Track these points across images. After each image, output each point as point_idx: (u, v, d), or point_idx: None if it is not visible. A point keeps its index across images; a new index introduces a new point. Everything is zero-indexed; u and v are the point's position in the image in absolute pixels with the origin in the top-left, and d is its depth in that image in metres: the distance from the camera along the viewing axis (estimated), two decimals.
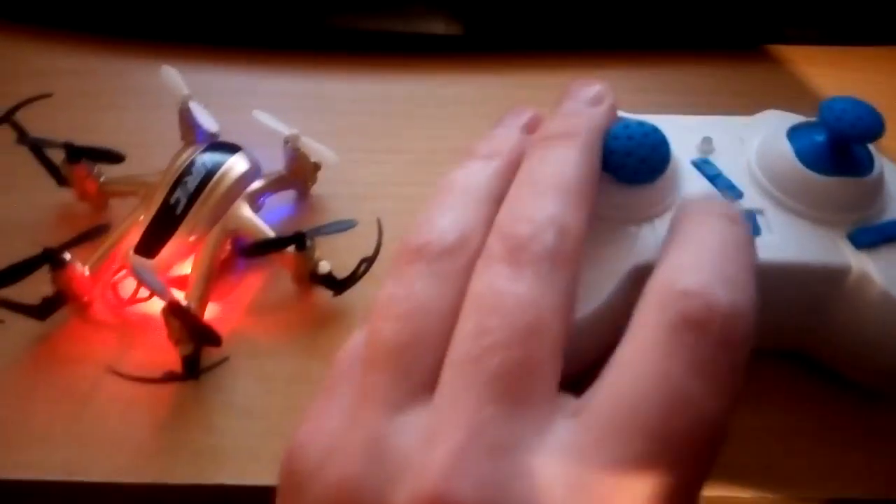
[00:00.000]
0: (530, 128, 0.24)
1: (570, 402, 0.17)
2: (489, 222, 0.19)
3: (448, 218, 0.20)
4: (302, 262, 0.29)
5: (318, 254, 0.29)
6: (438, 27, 0.43)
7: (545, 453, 0.15)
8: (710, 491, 0.25)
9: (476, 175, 0.21)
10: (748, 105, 0.40)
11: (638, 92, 0.41)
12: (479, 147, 0.22)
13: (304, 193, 0.34)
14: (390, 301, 0.18)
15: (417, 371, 0.17)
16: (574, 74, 0.42)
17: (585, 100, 0.23)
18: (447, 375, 0.17)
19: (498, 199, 0.20)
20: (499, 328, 0.16)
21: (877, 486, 0.26)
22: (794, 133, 0.26)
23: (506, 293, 0.17)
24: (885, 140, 0.36)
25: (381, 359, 0.18)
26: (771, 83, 0.42)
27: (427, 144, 0.37)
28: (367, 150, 0.37)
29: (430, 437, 0.16)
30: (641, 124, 0.24)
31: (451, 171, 0.22)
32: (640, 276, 0.23)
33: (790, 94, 0.41)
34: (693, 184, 0.26)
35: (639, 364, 0.16)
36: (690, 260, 0.18)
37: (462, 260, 0.19)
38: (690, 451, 0.15)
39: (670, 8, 0.43)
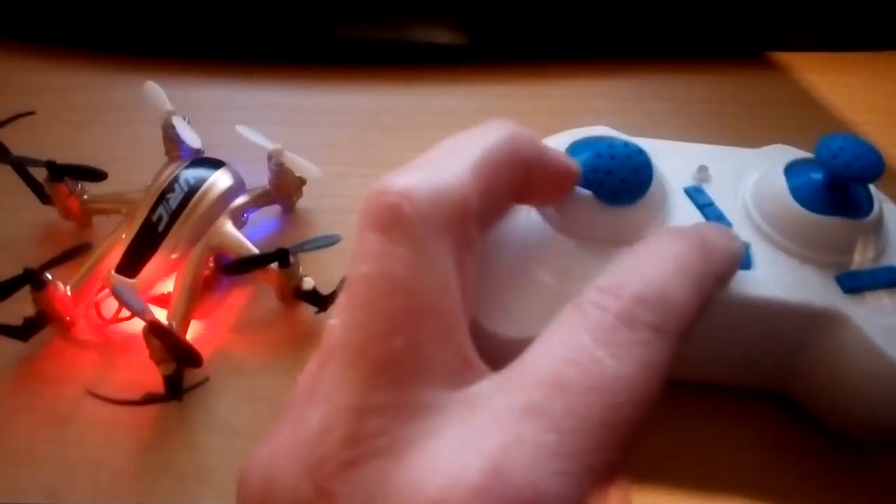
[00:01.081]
0: None
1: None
2: None
3: None
4: (286, 279, 0.29)
5: (302, 270, 0.29)
6: (441, 37, 0.42)
7: (438, 425, 0.15)
8: (698, 502, 0.25)
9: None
10: (750, 112, 0.40)
11: (640, 100, 0.41)
12: None
13: (289, 208, 0.34)
14: None
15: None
16: (571, 84, 0.42)
17: None
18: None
19: None
20: (373, 320, 0.16)
21: None
22: (791, 169, 0.26)
23: (375, 277, 0.16)
24: (891, 146, 0.36)
25: None
26: (773, 90, 0.42)
27: (415, 156, 0.37)
28: (353, 163, 0.37)
29: (322, 428, 0.16)
30: (627, 145, 0.24)
31: None
32: None
33: (792, 100, 0.41)
34: (682, 211, 0.26)
35: (544, 338, 0.17)
36: (616, 266, 0.18)
37: None
38: (583, 402, 0.15)
39: (671, 16, 0.43)
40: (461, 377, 0.17)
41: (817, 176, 0.25)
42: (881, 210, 0.25)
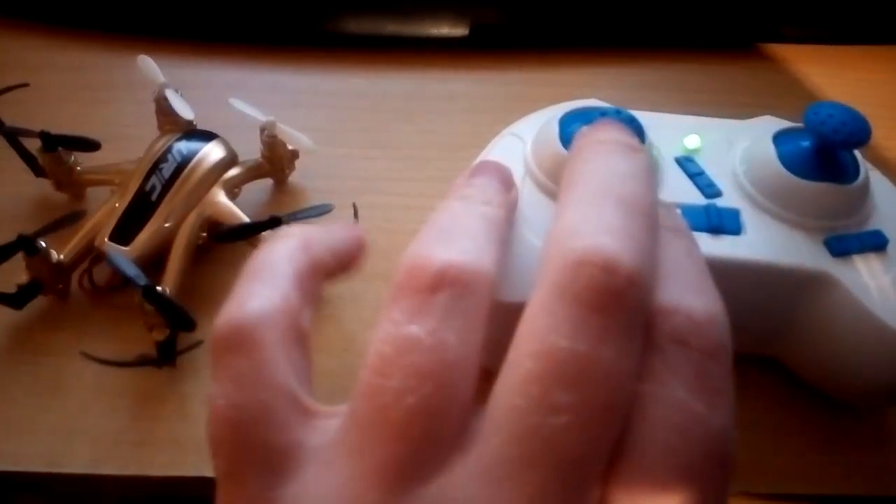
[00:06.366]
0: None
1: None
2: None
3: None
4: None
5: None
6: (443, 29, 0.43)
7: None
8: None
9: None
10: (743, 103, 0.40)
11: (634, 89, 0.41)
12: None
13: (281, 182, 0.34)
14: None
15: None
16: (569, 72, 0.42)
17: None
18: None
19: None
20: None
21: (862, 485, 0.26)
22: (780, 137, 0.26)
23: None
24: (883, 139, 0.36)
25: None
26: (766, 81, 0.42)
27: (417, 140, 0.37)
28: (356, 145, 0.37)
29: None
30: (619, 112, 0.24)
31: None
32: None
33: (785, 92, 0.41)
34: (673, 179, 0.26)
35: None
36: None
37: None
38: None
39: (666, 6, 0.43)
40: None
41: (805, 143, 0.25)
42: (867, 176, 0.25)
